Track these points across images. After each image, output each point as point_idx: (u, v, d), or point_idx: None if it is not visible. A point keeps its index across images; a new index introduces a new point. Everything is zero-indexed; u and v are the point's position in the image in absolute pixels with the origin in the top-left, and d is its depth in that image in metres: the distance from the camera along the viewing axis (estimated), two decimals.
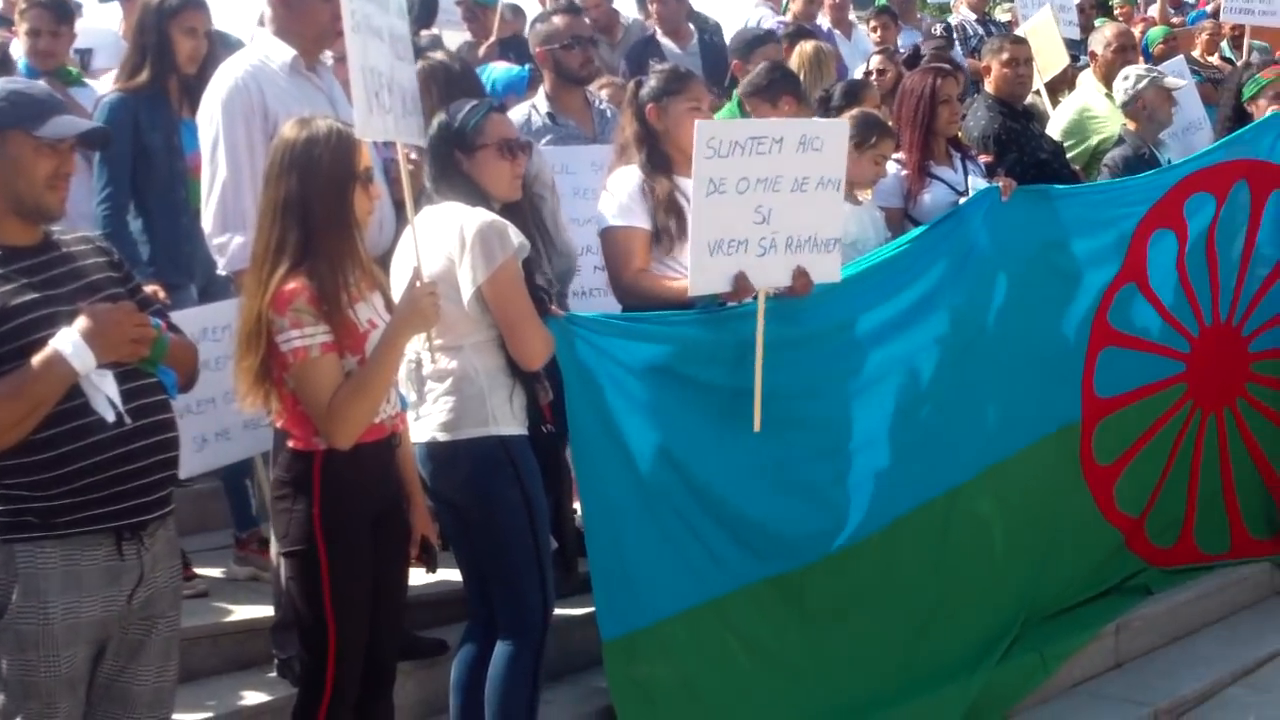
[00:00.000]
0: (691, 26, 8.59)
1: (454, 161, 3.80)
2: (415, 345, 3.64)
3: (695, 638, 4.17)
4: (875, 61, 7.59)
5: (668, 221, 4.30)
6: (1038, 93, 7.67)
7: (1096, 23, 8.60)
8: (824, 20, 9.19)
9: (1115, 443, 5.46)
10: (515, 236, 3.66)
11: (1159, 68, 7.11)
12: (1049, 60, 7.74)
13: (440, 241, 3.65)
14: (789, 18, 9.07)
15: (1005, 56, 6.45)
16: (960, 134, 6.11)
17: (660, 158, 4.42)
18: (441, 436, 3.68)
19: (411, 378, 3.71)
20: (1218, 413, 5.83)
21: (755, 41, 6.41)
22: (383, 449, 3.44)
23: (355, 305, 3.36)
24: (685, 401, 4.17)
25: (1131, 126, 6.59)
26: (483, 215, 3.67)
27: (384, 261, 3.84)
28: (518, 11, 8.91)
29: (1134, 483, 5.51)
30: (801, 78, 6.38)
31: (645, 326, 4.16)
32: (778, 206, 4.06)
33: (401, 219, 3.89)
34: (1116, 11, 11.37)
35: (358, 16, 3.47)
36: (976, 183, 5.41)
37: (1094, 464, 5.38)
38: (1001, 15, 10.41)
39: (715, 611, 4.19)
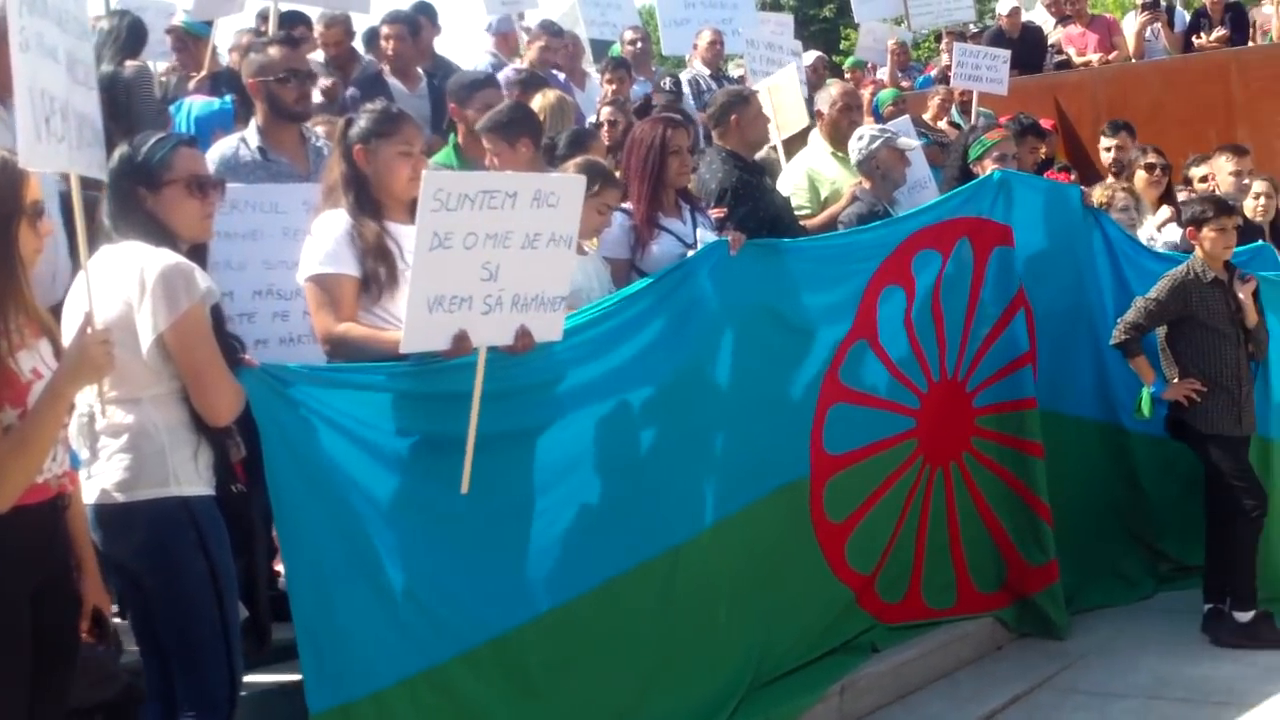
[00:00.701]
0: (420, 70, 8.53)
1: (137, 198, 3.62)
2: (88, 397, 3.42)
3: (415, 708, 4.03)
4: (606, 113, 7.66)
5: (377, 268, 4.19)
6: (774, 148, 7.90)
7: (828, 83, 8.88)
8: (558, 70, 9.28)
9: (847, 500, 5.59)
10: (203, 281, 3.49)
11: (889, 126, 7.39)
12: (789, 118, 7.96)
13: (118, 284, 3.45)
14: (524, 64, 9.11)
15: (743, 111, 6.60)
16: (693, 185, 6.20)
17: (369, 201, 4.30)
18: (116, 497, 3.47)
19: (83, 433, 3.49)
20: (945, 468, 6.05)
21: (474, 85, 6.33)
22: (47, 511, 3.21)
23: (17, 353, 3.14)
24: (394, 458, 4.07)
25: (866, 185, 6.83)
26: (167, 257, 3.49)
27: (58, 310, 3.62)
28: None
29: (866, 539, 5.65)
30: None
31: (351, 377, 4.03)
32: (506, 263, 4.00)
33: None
34: (846, 74, 11.83)
35: (27, 34, 3.25)
36: (705, 235, 5.49)
37: (825, 521, 5.49)
38: (734, 70, 10.68)
39: (435, 679, 4.07)
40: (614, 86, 8.62)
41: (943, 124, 10.03)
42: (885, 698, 5.46)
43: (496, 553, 4.24)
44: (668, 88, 9.20)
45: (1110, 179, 8.13)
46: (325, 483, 3.91)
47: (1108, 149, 8.26)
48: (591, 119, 7.87)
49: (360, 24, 9.28)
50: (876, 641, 5.63)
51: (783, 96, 8.03)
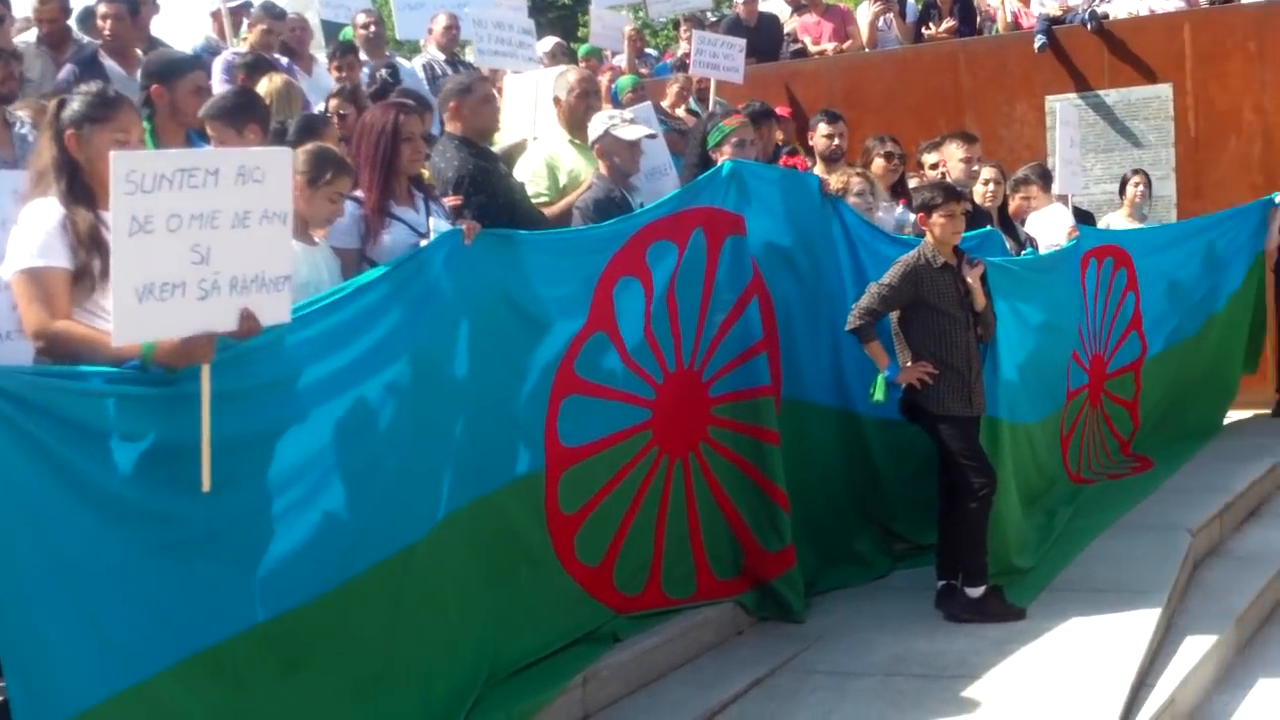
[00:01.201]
0: (139, 52, 8.26)
1: None
2: None
3: None
4: (334, 104, 7.56)
5: (90, 261, 4.06)
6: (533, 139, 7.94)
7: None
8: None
9: (580, 493, 5.67)
10: None
11: (626, 112, 7.52)
12: (546, 115, 7.99)
13: None
14: (244, 48, 8.92)
15: (475, 96, 6.62)
16: (428, 173, 6.19)
17: (82, 189, 4.17)
18: None
19: None
20: (683, 458, 6.20)
21: (178, 65, 6.06)
22: None
23: None
24: (114, 465, 3.91)
25: (603, 170, 6.94)
26: None
27: None
28: None
29: (595, 532, 5.74)
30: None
31: (61, 381, 3.88)
32: (218, 244, 3.91)
33: None
34: (581, 62, 11.98)
35: None
36: (439, 224, 5.48)
37: (559, 514, 5.57)
38: (470, 55, 10.70)
39: (145, 693, 3.96)
40: (341, 74, 8.52)
41: (681, 111, 10.26)
42: (628, 687, 5.57)
43: (219, 563, 4.15)
44: (384, 75, 9.13)
45: (826, 167, 8.42)
46: (28, 493, 3.73)
47: (828, 136, 8.55)
48: (320, 106, 7.76)
49: (77, 1, 8.94)
50: (618, 632, 5.74)
51: (538, 93, 8.07)
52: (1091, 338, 8.83)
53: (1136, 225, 10.27)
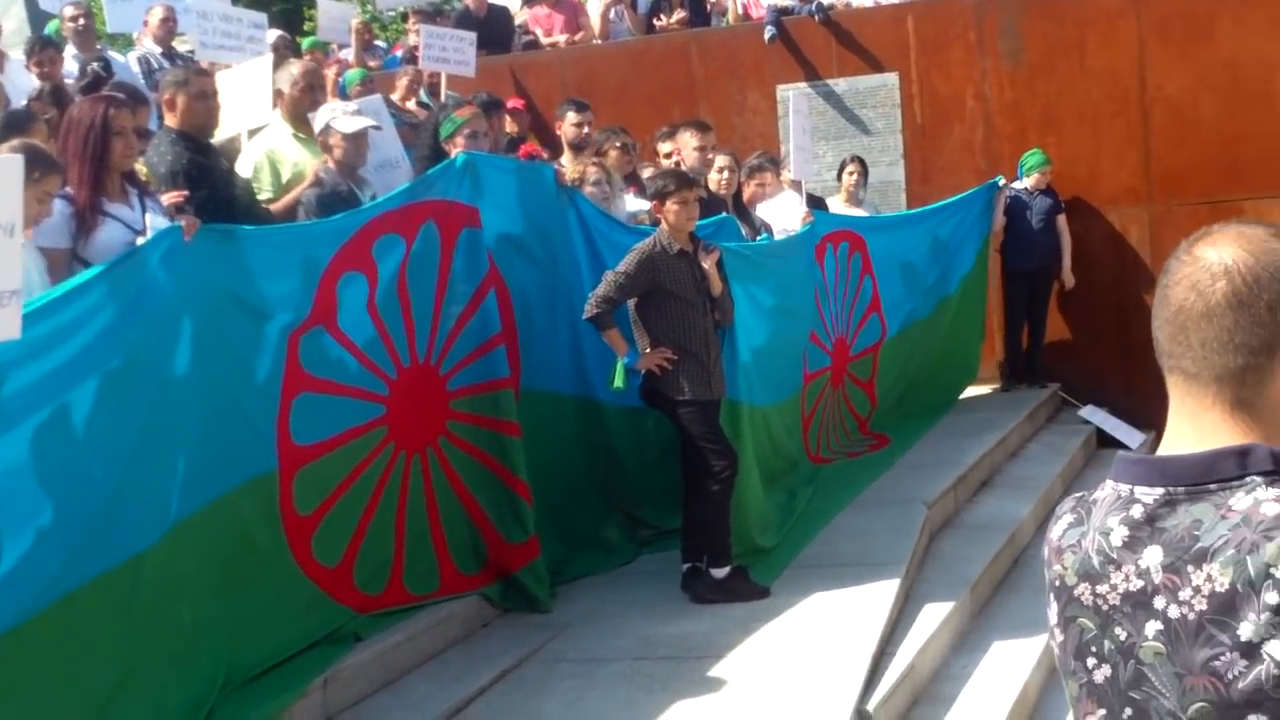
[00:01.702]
0: None
1: None
2: None
3: None
4: (36, 106, 7.32)
5: None
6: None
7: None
8: None
9: (315, 492, 5.68)
10: None
11: (349, 104, 7.51)
12: (260, 108, 7.89)
13: None
14: None
15: (193, 89, 6.54)
16: (144, 169, 6.08)
17: None
18: None
19: None
20: (421, 453, 6.25)
21: None
22: None
23: None
24: None
25: (331, 164, 6.93)
26: None
27: None
28: None
29: (332, 532, 5.75)
30: None
31: None
32: None
33: None
34: (306, 55, 11.88)
35: None
36: (157, 221, 5.41)
37: (295, 515, 5.57)
38: (181, 46, 10.50)
39: None
40: (42, 69, 8.26)
41: (412, 105, 10.28)
42: (371, 686, 5.61)
43: None
44: (94, 70, 8.89)
45: (574, 156, 8.61)
46: None
47: (576, 124, 8.73)
48: (23, 103, 7.52)
49: None
50: (360, 631, 5.77)
51: (254, 84, 7.97)
52: (834, 321, 9.21)
53: (856, 211, 10.69)
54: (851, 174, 10.88)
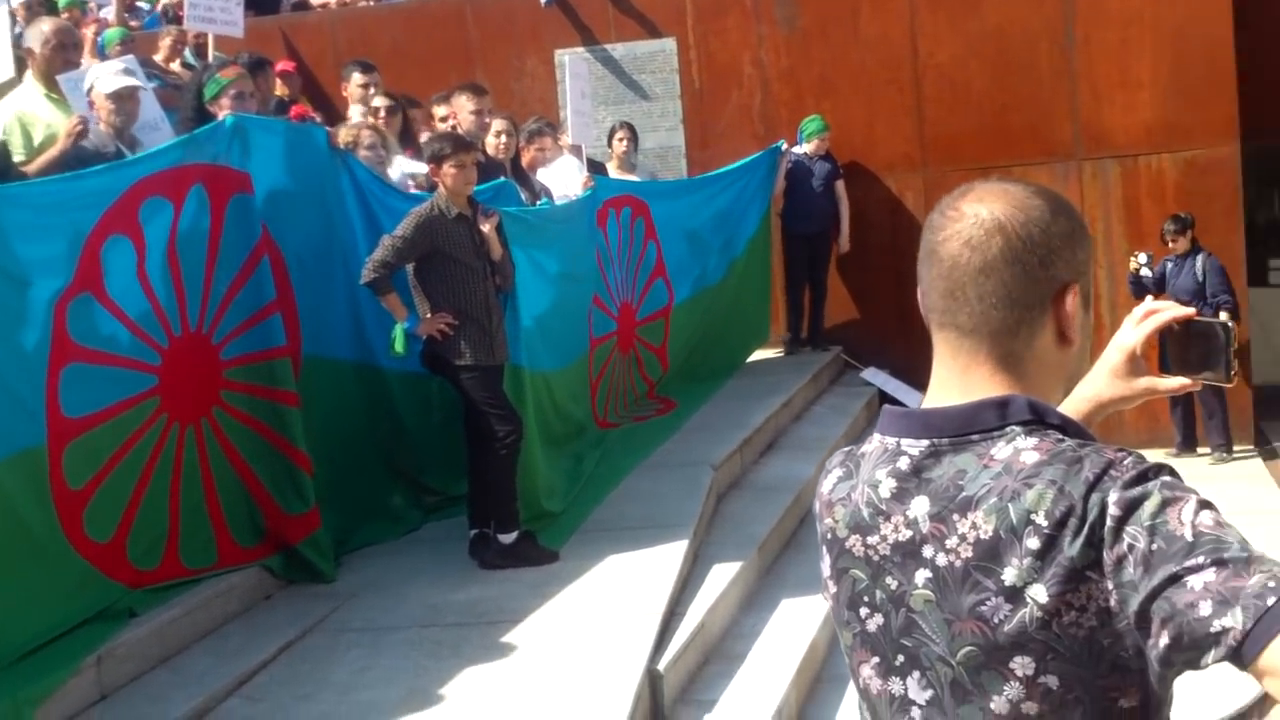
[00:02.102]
0: None
1: None
2: None
3: None
4: None
5: None
6: None
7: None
8: None
9: (86, 466, 5.53)
10: None
11: (109, 64, 7.30)
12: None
13: None
14: None
15: None
16: None
17: None
18: None
19: None
20: (195, 424, 6.14)
21: None
22: None
23: None
24: None
25: (103, 127, 6.72)
26: None
27: None
28: None
29: (105, 507, 5.61)
30: None
31: None
32: None
33: None
34: (64, 13, 11.47)
35: None
36: None
37: (65, 490, 5.41)
38: None
39: None
40: None
41: (176, 66, 10.02)
42: (148, 663, 5.51)
43: None
44: None
45: (356, 118, 8.54)
46: None
47: (362, 85, 8.64)
48: None
49: None
50: (135, 607, 5.65)
51: None
52: (619, 286, 9.31)
53: (630, 177, 10.80)
54: (621, 140, 10.97)
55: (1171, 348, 2.10)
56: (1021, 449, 1.77)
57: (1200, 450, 11.27)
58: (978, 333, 1.84)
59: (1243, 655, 1.58)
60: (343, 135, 7.63)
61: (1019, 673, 1.74)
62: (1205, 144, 11.33)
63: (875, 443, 1.93)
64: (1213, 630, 1.59)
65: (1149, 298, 10.54)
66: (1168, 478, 1.72)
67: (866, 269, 11.81)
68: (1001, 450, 1.78)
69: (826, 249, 11.74)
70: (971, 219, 1.84)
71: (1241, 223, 11.68)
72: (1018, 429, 1.79)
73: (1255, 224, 19.26)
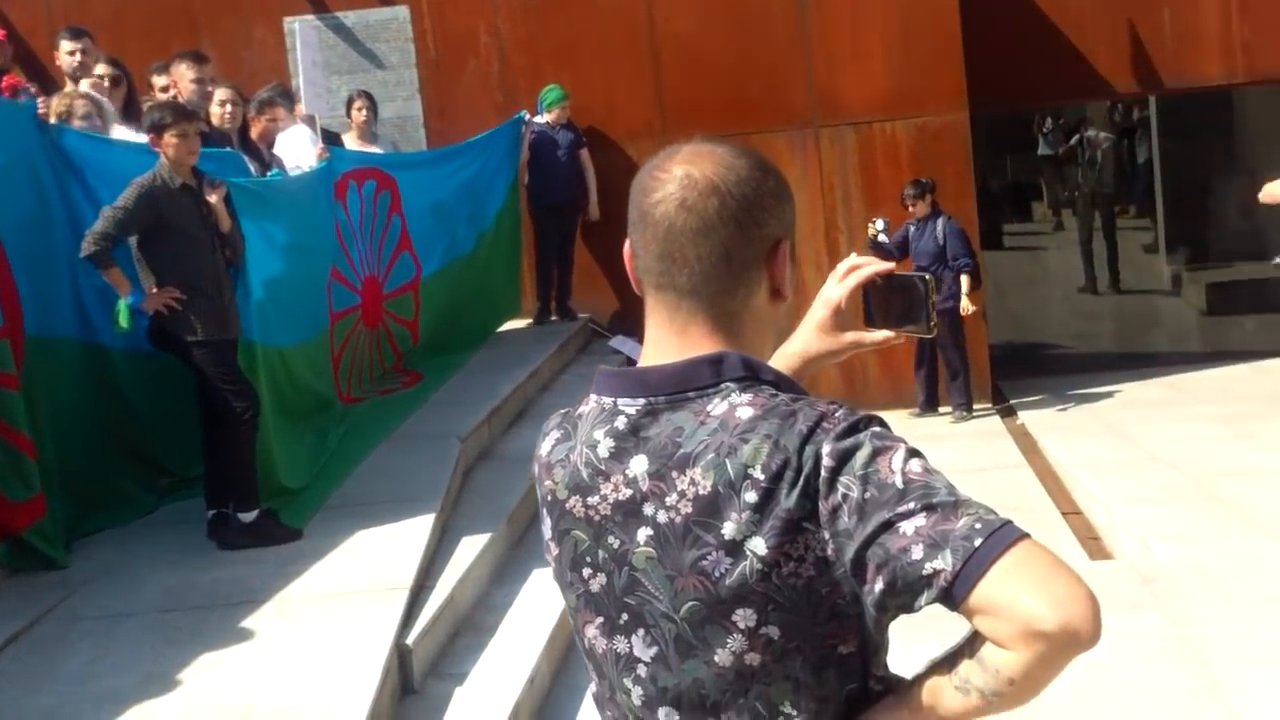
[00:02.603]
0: None
1: None
2: None
3: None
4: None
5: None
6: None
7: None
8: None
9: None
10: None
11: None
12: None
13: None
14: None
15: None
16: None
17: None
18: None
19: None
20: None
21: None
22: None
23: None
24: None
25: None
26: None
27: None
28: None
29: None
30: None
31: None
32: None
33: None
34: None
35: None
36: None
37: None
38: None
39: None
40: None
41: None
42: None
43: None
44: None
45: (70, 87, 8.26)
46: None
47: (70, 52, 8.37)
48: None
49: None
50: None
51: None
52: (362, 260, 9.22)
53: (371, 148, 10.71)
54: (361, 110, 10.85)
55: (875, 302, 2.19)
56: (737, 405, 1.81)
57: (942, 409, 11.71)
58: (697, 293, 1.87)
59: (953, 595, 1.66)
60: (55, 105, 7.38)
61: (741, 625, 1.78)
62: (936, 111, 11.76)
63: (592, 403, 1.95)
64: (924, 573, 1.66)
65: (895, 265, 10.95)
66: (878, 428, 1.78)
67: (612, 237, 11.81)
68: (717, 407, 1.82)
69: (574, 219, 11.83)
70: (683, 180, 1.86)
71: (973, 187, 12.17)
72: (733, 385, 1.83)
73: (992, 190, 20.26)
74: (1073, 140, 19.24)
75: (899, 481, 1.71)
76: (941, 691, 1.77)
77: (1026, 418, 11.36)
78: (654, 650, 1.86)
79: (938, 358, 11.61)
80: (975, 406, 11.68)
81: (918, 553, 1.67)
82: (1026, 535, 1.68)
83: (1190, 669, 5.83)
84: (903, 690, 1.85)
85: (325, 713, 4.85)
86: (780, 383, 1.88)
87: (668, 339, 1.90)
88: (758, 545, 1.75)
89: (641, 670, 1.89)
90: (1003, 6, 12.20)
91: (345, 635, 5.47)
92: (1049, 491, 9.38)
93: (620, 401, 1.89)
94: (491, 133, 11.17)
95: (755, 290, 1.91)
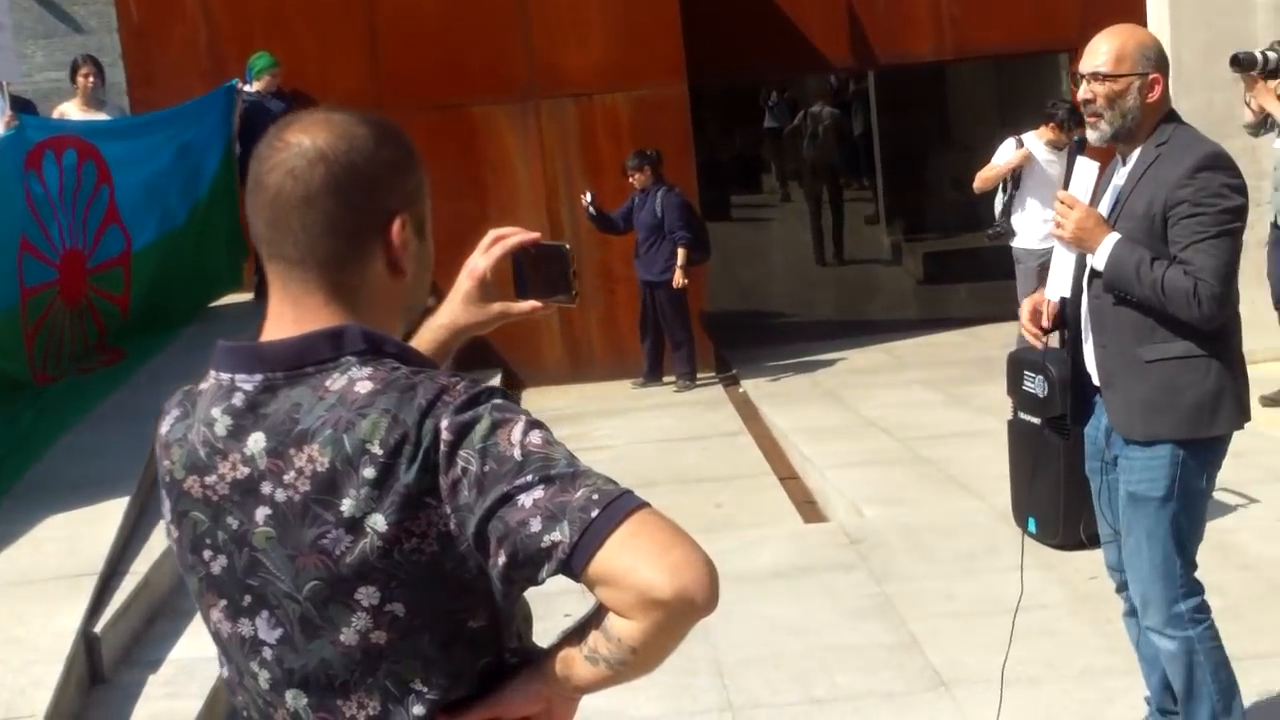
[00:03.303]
0: None
1: None
2: None
3: None
4: None
5: None
6: None
7: None
8: None
9: None
10: None
11: None
12: None
13: None
14: None
15: None
16: None
17: None
18: None
19: None
20: None
21: None
22: None
23: None
24: None
25: None
26: None
27: None
28: None
29: None
30: None
31: None
32: None
33: None
34: None
35: None
36: None
37: None
38: None
39: None
40: None
41: None
42: None
43: None
44: None
45: None
46: None
47: None
48: None
49: None
50: None
51: None
52: (62, 233, 8.79)
53: (96, 115, 10.31)
54: (87, 76, 10.46)
55: (525, 271, 2.20)
56: (356, 379, 1.78)
57: (666, 379, 11.84)
58: (305, 263, 1.84)
59: (572, 567, 1.67)
60: None
61: (365, 603, 1.75)
62: (657, 83, 11.85)
63: (211, 379, 1.89)
64: (543, 545, 1.67)
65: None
66: (499, 400, 1.78)
67: None
68: (336, 381, 1.79)
69: None
70: (295, 148, 1.82)
71: (694, 159, 12.32)
72: (353, 359, 1.81)
73: (720, 162, 20.59)
74: (797, 119, 19.66)
75: (518, 454, 1.71)
76: (574, 662, 1.78)
77: (749, 386, 11.57)
78: (279, 632, 1.82)
79: (660, 327, 11.72)
80: (699, 375, 11.84)
81: (536, 525, 1.67)
82: (644, 505, 1.69)
83: (891, 625, 6.00)
84: (538, 662, 1.84)
85: (3, 708, 4.63)
86: (405, 356, 1.85)
87: (284, 310, 1.87)
88: (377, 522, 1.73)
89: (267, 653, 1.84)
90: None
91: (28, 625, 5.24)
92: (767, 457, 9.57)
93: (238, 378, 1.84)
94: (201, 100, 10.77)
95: (370, 263, 1.86)
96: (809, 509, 8.48)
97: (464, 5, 11.62)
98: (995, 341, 10.90)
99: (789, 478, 9.14)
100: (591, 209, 11.35)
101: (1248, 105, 8.04)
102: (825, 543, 7.16)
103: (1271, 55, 7.63)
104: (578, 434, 10.20)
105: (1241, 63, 7.67)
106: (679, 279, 11.30)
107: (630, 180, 11.53)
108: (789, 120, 21.04)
